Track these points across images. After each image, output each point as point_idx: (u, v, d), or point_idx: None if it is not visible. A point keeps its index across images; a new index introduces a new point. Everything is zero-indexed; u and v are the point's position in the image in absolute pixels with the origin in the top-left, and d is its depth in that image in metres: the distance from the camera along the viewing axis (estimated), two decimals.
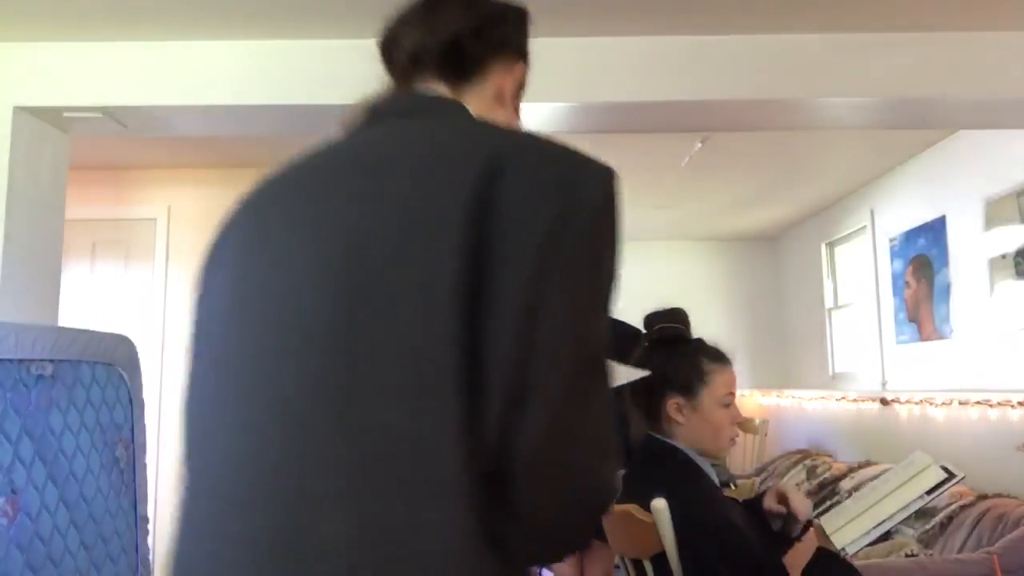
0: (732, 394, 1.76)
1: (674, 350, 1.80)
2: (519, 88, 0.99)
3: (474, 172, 0.69)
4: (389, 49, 0.97)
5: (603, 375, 0.72)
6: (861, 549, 1.61)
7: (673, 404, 1.74)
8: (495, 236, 0.66)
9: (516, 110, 0.97)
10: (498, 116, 0.90)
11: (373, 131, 0.82)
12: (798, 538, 1.68)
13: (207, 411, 0.87)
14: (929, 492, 1.60)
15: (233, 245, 0.80)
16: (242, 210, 0.82)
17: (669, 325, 1.85)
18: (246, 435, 0.73)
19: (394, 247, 0.67)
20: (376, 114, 0.87)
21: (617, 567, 3.13)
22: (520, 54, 1.00)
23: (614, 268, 0.72)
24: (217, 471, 0.79)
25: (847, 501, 1.70)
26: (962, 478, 1.62)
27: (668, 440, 1.75)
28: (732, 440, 1.76)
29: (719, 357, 1.78)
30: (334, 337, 0.67)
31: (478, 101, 0.89)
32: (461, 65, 0.89)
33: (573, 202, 0.69)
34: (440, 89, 0.89)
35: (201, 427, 0.89)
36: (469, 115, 0.84)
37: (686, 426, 1.74)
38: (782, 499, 1.68)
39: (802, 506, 1.62)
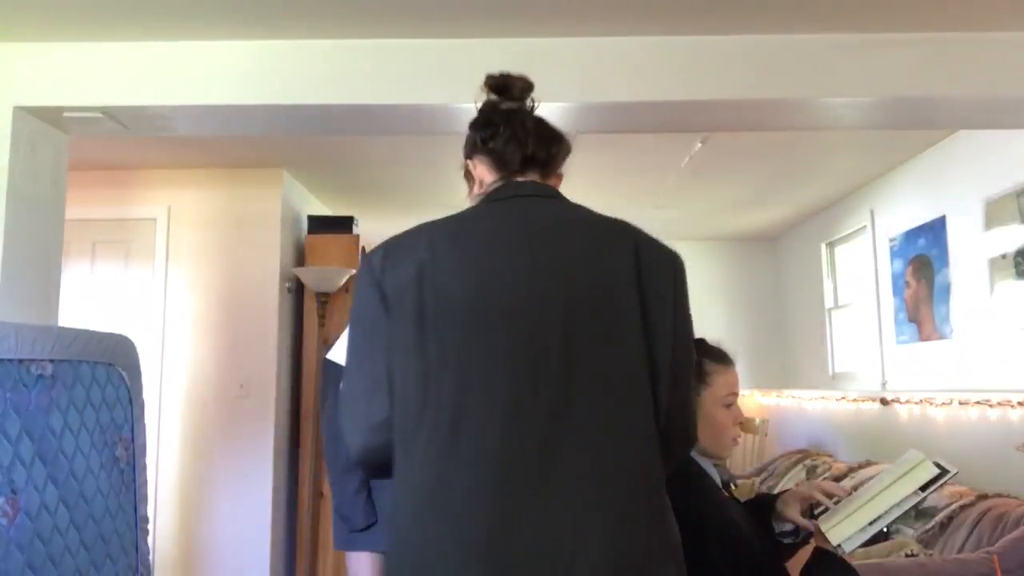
0: (734, 395, 1.77)
1: None
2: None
3: (630, 247, 1.23)
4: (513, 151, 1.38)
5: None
6: (859, 548, 1.61)
7: None
8: (648, 287, 1.22)
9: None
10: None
11: (533, 202, 1.29)
12: (805, 541, 1.68)
13: None
14: (923, 488, 1.60)
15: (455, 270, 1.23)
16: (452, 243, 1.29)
17: None
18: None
19: (602, 293, 1.19)
20: (521, 191, 1.32)
21: None
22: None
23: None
24: None
25: (844, 498, 1.70)
26: (955, 474, 1.63)
27: None
28: (734, 440, 1.76)
29: (721, 358, 1.79)
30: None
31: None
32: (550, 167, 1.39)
33: (678, 267, 1.31)
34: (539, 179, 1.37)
35: None
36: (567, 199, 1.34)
37: None
38: (811, 504, 1.67)
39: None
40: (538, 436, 1.08)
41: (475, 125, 1.43)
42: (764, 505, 1.76)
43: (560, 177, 1.41)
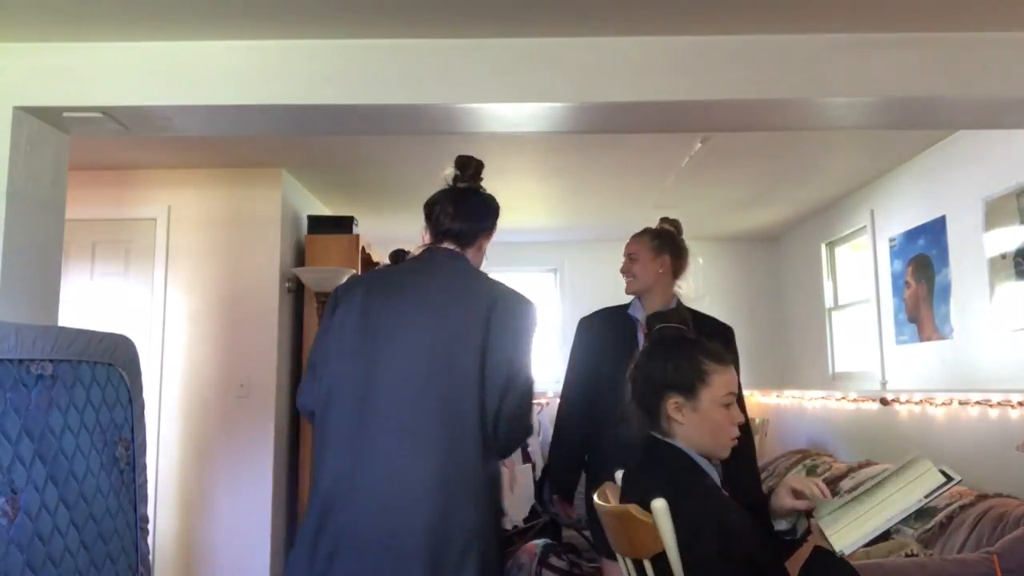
0: (733, 394, 1.74)
1: (675, 350, 1.80)
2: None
3: (486, 296, 1.91)
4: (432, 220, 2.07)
5: (532, 387, 1.91)
6: (859, 548, 1.62)
7: (673, 404, 1.74)
8: (494, 326, 1.86)
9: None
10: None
11: (438, 263, 2.00)
12: (803, 539, 1.68)
13: None
14: (927, 495, 1.60)
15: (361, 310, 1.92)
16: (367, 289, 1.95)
17: (670, 325, 1.86)
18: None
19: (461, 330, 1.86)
20: (431, 253, 2.02)
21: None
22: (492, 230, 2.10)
23: (531, 342, 1.92)
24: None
25: (847, 501, 1.70)
26: (959, 480, 1.63)
27: (668, 440, 1.75)
28: (733, 441, 1.74)
29: (720, 357, 1.77)
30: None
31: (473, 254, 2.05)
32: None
33: (521, 312, 1.93)
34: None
35: None
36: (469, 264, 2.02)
37: (686, 426, 1.73)
38: (799, 494, 1.68)
39: (822, 490, 1.67)
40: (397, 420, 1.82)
41: (428, 201, 2.09)
42: (761, 504, 1.76)
43: (479, 248, 2.05)
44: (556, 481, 2.65)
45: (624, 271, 2.64)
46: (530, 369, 1.91)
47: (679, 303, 2.62)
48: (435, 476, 1.75)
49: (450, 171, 2.15)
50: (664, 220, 2.75)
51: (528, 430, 1.92)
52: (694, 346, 1.79)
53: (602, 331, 2.63)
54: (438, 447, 1.77)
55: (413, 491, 1.74)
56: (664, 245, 2.64)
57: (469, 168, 2.14)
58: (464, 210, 2.02)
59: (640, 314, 2.61)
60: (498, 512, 1.88)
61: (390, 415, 1.78)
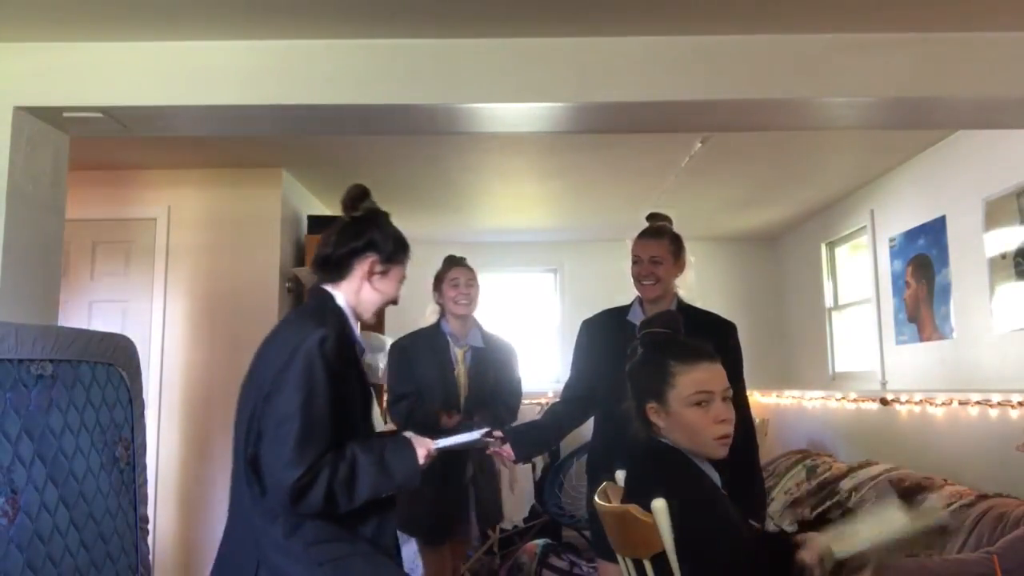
0: (705, 392, 1.68)
1: (648, 355, 1.79)
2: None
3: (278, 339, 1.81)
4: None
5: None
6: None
7: (651, 409, 1.75)
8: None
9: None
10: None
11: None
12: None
13: None
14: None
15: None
16: None
17: (656, 330, 1.84)
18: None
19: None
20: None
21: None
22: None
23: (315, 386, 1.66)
24: None
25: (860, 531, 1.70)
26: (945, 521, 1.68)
27: (665, 440, 1.75)
28: (720, 440, 1.69)
29: (687, 356, 1.73)
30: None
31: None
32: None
33: (294, 349, 1.68)
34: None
35: None
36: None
37: (667, 429, 1.73)
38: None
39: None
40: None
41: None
42: (785, 545, 1.71)
43: (353, 284, 1.82)
44: (513, 430, 2.52)
45: (645, 275, 2.50)
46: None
47: (679, 303, 2.60)
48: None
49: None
50: (657, 216, 2.67)
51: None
52: (664, 349, 1.77)
53: (601, 335, 2.61)
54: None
55: None
56: (680, 248, 2.59)
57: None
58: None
59: (640, 318, 2.57)
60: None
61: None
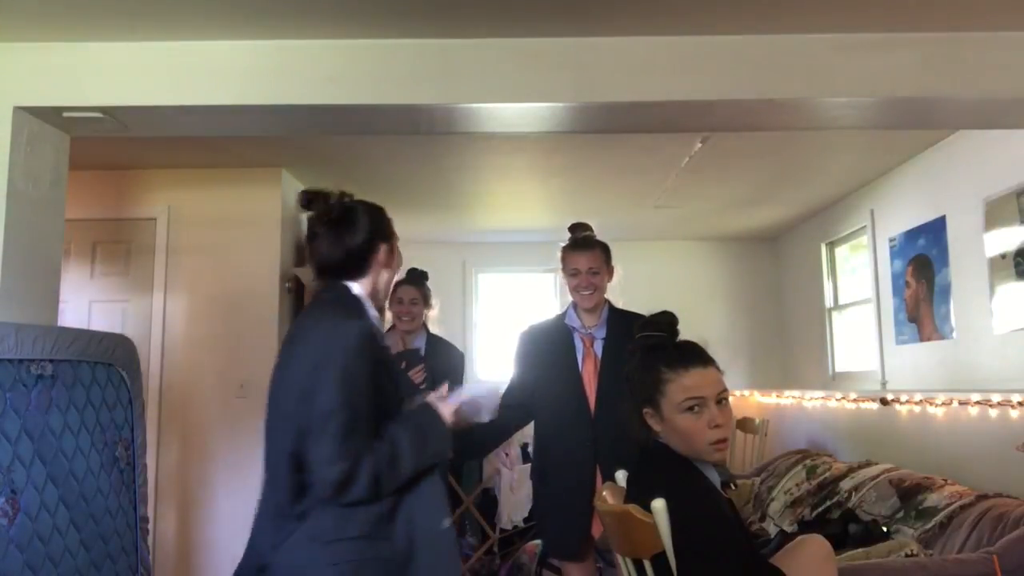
0: (696, 399, 1.67)
1: (642, 360, 1.79)
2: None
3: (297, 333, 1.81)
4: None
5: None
6: (858, 548, 1.62)
7: (647, 414, 1.75)
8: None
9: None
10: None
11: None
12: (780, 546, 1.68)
13: None
14: None
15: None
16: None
17: (650, 334, 1.83)
18: None
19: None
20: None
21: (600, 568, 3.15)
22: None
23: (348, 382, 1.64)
24: None
25: None
26: None
27: (662, 441, 1.75)
28: (716, 445, 1.68)
29: (677, 362, 1.72)
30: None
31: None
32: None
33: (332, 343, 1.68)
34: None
35: None
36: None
37: (663, 433, 1.74)
38: None
39: None
40: None
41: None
42: None
43: (373, 279, 1.85)
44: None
45: (585, 285, 2.68)
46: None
47: (610, 307, 2.76)
48: None
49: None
50: (582, 227, 2.82)
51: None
52: (657, 354, 1.77)
53: (543, 342, 2.76)
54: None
55: None
56: (609, 256, 2.77)
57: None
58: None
59: (577, 323, 2.74)
60: None
61: None
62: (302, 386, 1.65)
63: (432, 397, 1.83)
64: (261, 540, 1.73)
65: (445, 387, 1.87)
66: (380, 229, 1.85)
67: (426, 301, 3.44)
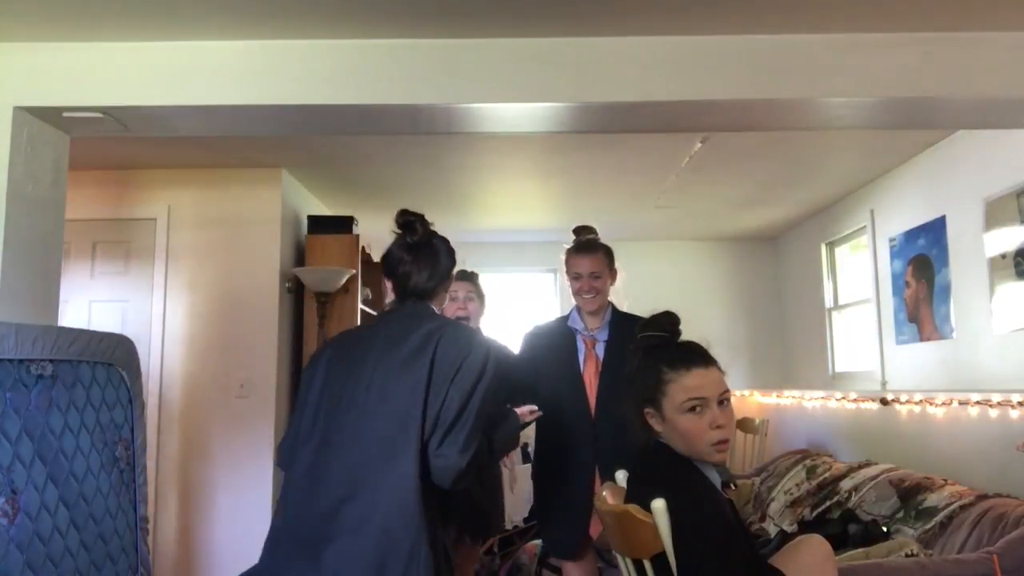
0: (697, 399, 1.67)
1: (643, 360, 1.79)
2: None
3: (432, 343, 1.90)
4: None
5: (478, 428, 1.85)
6: (858, 548, 1.62)
7: (648, 414, 1.75)
8: (437, 365, 1.86)
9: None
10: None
11: (396, 317, 2.06)
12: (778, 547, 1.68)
13: None
14: None
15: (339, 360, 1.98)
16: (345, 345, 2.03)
17: (651, 334, 1.83)
18: None
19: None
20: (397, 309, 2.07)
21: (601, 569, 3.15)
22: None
23: (485, 386, 1.86)
24: None
25: None
26: None
27: (663, 440, 1.75)
28: (717, 446, 1.68)
29: (678, 363, 1.72)
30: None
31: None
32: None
33: (467, 355, 1.87)
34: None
35: None
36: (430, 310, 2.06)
37: (664, 434, 1.74)
38: None
39: None
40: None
41: (388, 256, 2.11)
42: None
43: (441, 300, 2.10)
44: None
45: (587, 289, 2.69)
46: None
47: (614, 310, 2.76)
48: None
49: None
50: (586, 230, 2.81)
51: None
52: (658, 355, 1.77)
53: (546, 343, 2.78)
54: None
55: None
56: (612, 259, 2.77)
57: (415, 227, 2.19)
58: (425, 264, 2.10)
59: (580, 325, 2.74)
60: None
61: None
62: (429, 384, 1.84)
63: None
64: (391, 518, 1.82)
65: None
66: (450, 269, 2.15)
67: (480, 298, 3.39)
